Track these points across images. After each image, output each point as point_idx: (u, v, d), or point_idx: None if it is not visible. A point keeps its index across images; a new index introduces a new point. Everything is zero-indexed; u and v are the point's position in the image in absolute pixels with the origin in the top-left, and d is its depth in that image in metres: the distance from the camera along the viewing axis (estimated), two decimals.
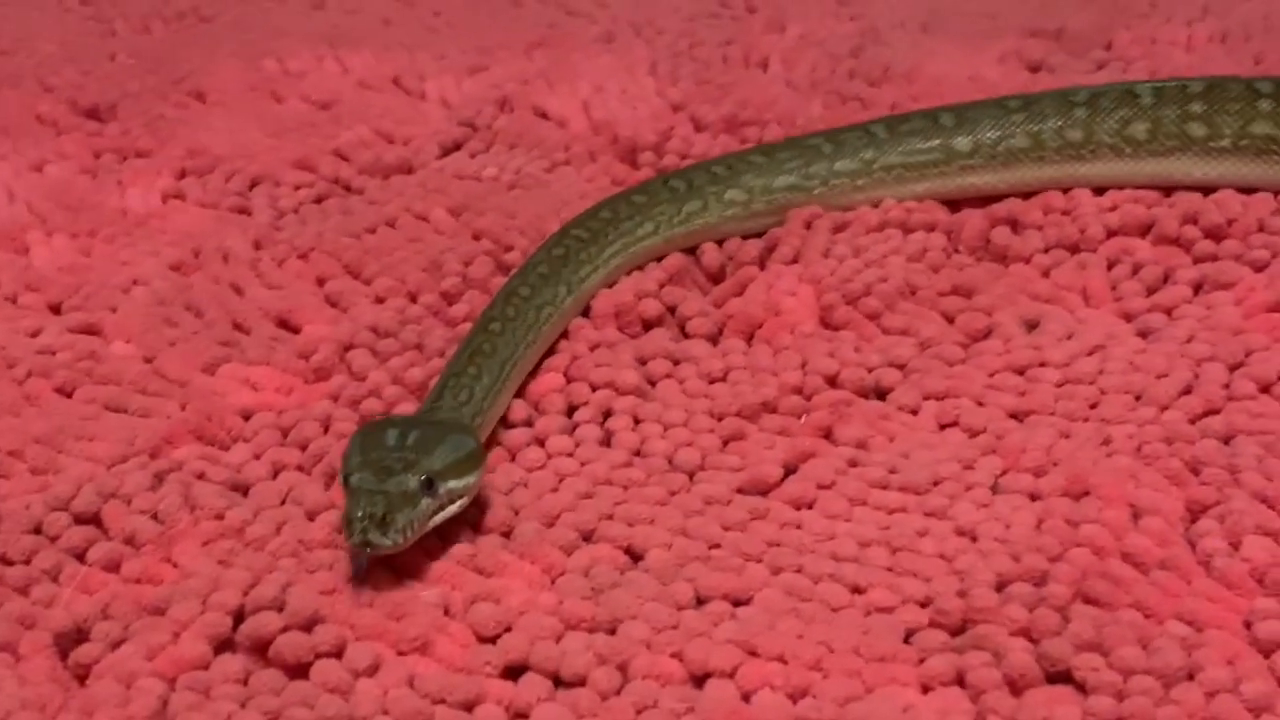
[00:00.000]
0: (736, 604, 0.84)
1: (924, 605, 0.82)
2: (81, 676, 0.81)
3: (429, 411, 0.93)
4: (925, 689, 0.78)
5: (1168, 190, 1.16)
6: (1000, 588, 0.82)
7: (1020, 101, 1.18)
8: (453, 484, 0.86)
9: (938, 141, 1.17)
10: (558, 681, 0.80)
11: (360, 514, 0.82)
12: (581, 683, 0.79)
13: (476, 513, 0.91)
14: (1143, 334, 1.03)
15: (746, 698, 0.78)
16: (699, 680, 0.79)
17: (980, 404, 0.98)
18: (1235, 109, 1.13)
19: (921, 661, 0.79)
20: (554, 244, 1.08)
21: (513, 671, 0.81)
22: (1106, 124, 1.15)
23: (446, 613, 0.83)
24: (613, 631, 0.82)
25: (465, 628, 0.83)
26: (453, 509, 0.87)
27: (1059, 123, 1.16)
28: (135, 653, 0.80)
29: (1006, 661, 0.77)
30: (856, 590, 0.84)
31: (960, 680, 0.78)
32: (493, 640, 0.82)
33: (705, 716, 0.76)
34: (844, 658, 0.79)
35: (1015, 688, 0.77)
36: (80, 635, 0.82)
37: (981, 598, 0.81)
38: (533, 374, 1.03)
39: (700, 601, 0.84)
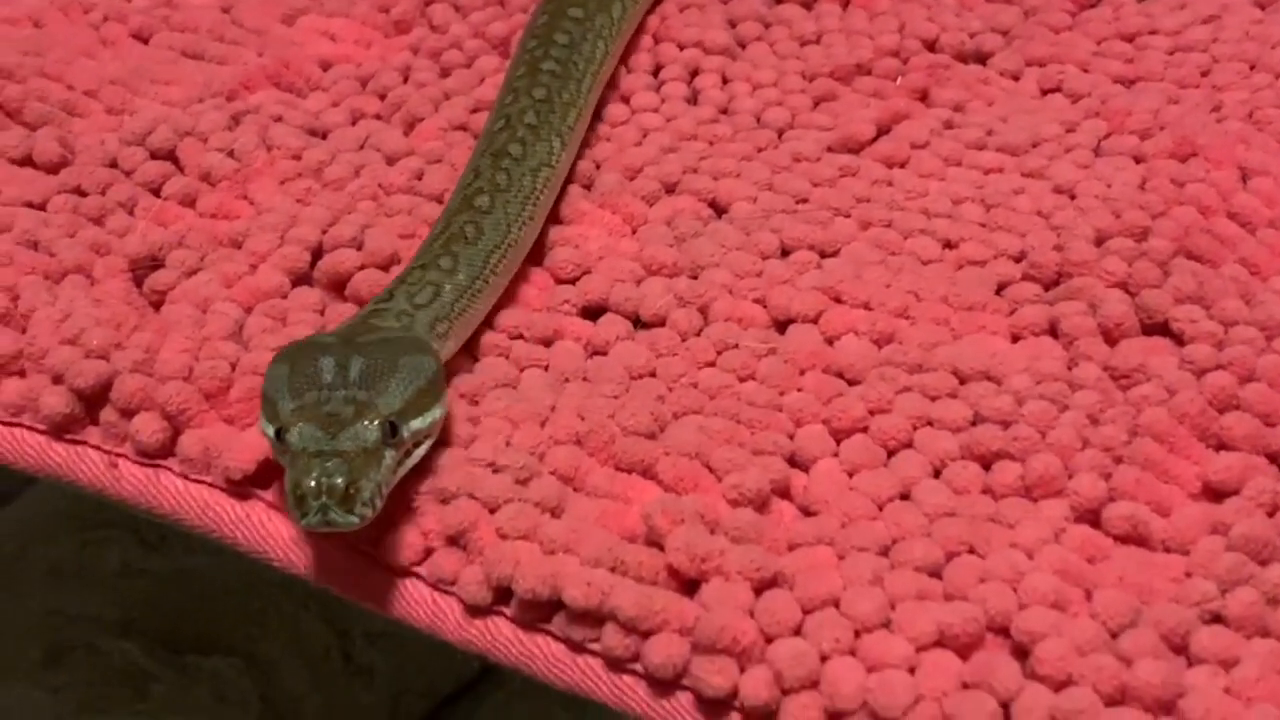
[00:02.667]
0: (822, 255, 0.81)
1: (1018, 260, 0.80)
2: (156, 302, 0.80)
3: (368, 319, 0.73)
4: (1015, 338, 0.76)
5: None
6: (1099, 242, 0.79)
7: None
8: (415, 424, 0.67)
9: None
10: (637, 322, 0.78)
11: (314, 485, 0.63)
12: (661, 323, 0.77)
13: None
14: (1260, 5, 0.98)
15: (830, 342, 0.76)
16: (781, 325, 0.77)
17: (1085, 70, 0.94)
18: None
19: (1013, 312, 0.77)
20: (529, 82, 0.88)
21: (591, 312, 0.79)
22: None
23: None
24: (694, 277, 0.80)
25: (543, 271, 0.82)
26: (418, 454, 0.68)
27: None
28: (211, 280, 0.80)
29: (1102, 312, 0.75)
30: (948, 245, 0.81)
31: (1053, 330, 0.76)
32: (571, 282, 0.80)
33: (787, 358, 0.75)
34: (932, 306, 0.77)
35: (1110, 337, 0.74)
36: (155, 263, 0.81)
37: (1079, 251, 0.78)
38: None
39: (785, 252, 0.82)
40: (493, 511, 0.67)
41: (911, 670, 0.60)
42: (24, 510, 1.25)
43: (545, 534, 0.66)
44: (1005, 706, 0.58)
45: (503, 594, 0.65)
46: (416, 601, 0.67)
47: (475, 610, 0.66)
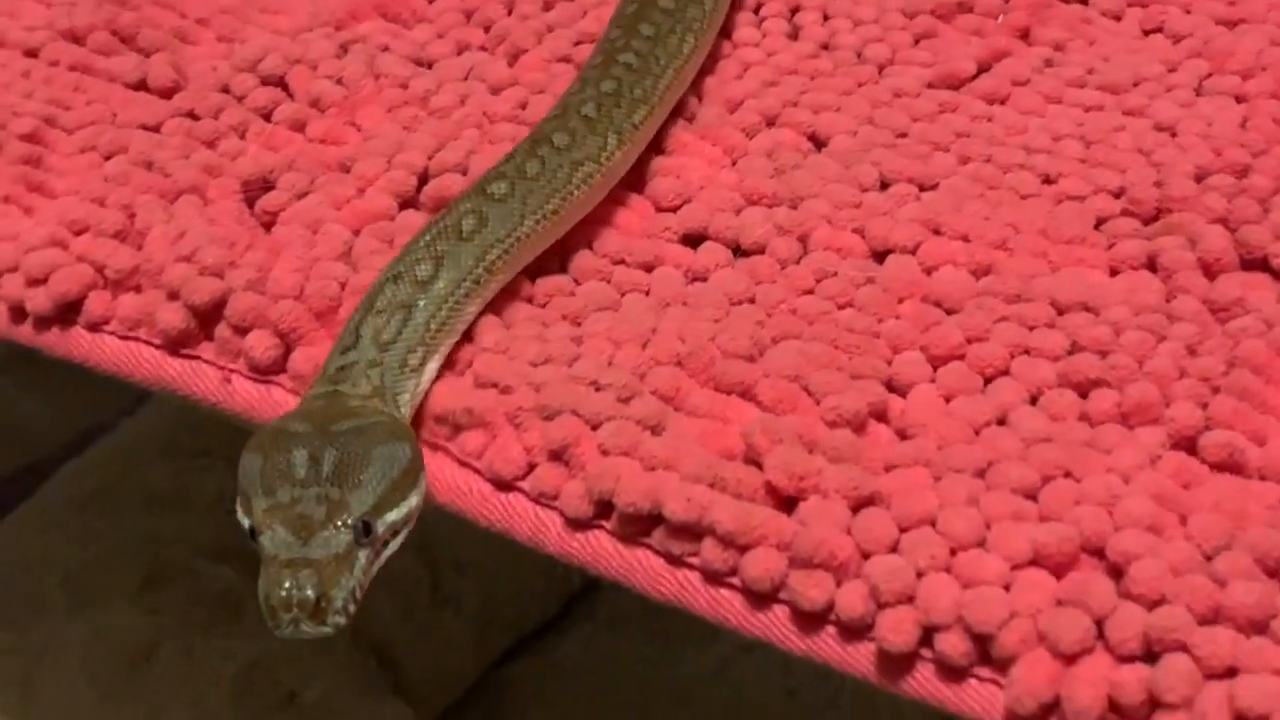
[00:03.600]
0: (921, 188, 0.82)
1: (1117, 195, 0.80)
2: (267, 223, 0.82)
3: (338, 385, 0.71)
4: (1114, 271, 0.76)
5: None
6: (1199, 179, 0.79)
7: None
8: (391, 517, 0.66)
9: None
10: (737, 250, 0.79)
11: (284, 594, 0.62)
12: (760, 251, 0.78)
13: None
14: None
15: (928, 272, 0.77)
16: (880, 255, 0.78)
17: (1188, 11, 0.93)
18: None
19: (1111, 246, 0.77)
20: (599, 73, 0.84)
21: (692, 240, 0.80)
22: None
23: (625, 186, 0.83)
24: (794, 207, 0.81)
25: (644, 199, 0.83)
26: (394, 546, 0.67)
27: None
28: (321, 202, 0.82)
29: (1201, 246, 0.75)
30: (1047, 180, 0.82)
31: (1151, 264, 0.76)
32: (672, 210, 0.82)
33: (885, 287, 0.76)
34: (1030, 239, 0.78)
35: (1209, 271, 0.75)
36: (267, 185, 0.83)
37: (1179, 187, 0.78)
38: None
39: (884, 185, 0.82)
40: (595, 428, 0.68)
41: (1006, 588, 0.60)
42: (123, 438, 1.28)
43: (646, 451, 0.67)
44: (1099, 623, 0.59)
45: (604, 508, 0.67)
46: (519, 515, 0.69)
47: (576, 524, 0.67)
